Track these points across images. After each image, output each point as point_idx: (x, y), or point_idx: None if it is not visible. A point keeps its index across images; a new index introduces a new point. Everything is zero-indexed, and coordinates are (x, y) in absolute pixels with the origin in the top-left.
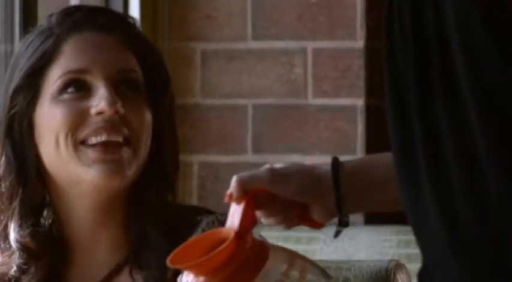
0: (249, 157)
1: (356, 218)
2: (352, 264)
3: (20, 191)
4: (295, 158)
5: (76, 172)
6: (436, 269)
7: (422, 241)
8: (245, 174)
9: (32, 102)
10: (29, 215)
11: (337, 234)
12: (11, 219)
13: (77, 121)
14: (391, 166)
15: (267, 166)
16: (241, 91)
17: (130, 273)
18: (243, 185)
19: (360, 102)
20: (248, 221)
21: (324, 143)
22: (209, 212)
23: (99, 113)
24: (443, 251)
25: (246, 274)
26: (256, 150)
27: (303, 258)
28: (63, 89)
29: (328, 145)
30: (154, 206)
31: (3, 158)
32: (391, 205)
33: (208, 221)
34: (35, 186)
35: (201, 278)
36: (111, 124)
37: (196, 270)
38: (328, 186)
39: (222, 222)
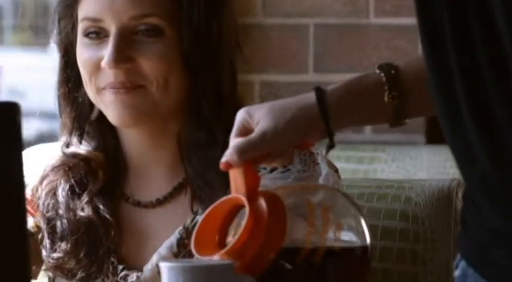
0: (310, 76)
1: (417, 138)
2: (414, 184)
3: (73, 103)
4: None
5: (103, 112)
6: (477, 188)
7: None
8: (241, 142)
9: (73, 30)
10: (94, 132)
11: (328, 150)
12: (75, 133)
13: (93, 70)
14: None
15: (249, 118)
16: (303, 10)
17: (194, 191)
18: (242, 155)
19: None
20: (253, 181)
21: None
22: None
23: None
24: (484, 165)
25: (276, 234)
26: (318, 69)
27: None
28: (85, 31)
29: None
30: (207, 131)
31: (63, 77)
32: (377, 120)
33: None
34: (89, 101)
35: (233, 256)
36: (120, 79)
37: (227, 255)
38: (318, 119)
39: None
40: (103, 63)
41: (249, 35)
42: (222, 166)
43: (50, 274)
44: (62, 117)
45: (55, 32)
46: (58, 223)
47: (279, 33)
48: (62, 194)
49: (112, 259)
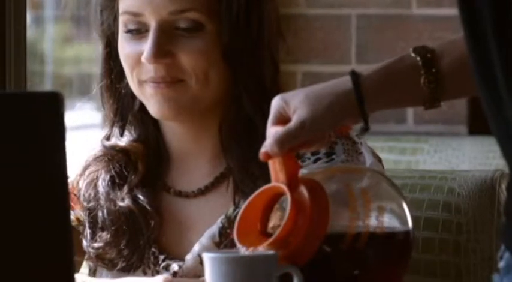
0: (353, 67)
1: (459, 128)
2: (457, 174)
3: (116, 95)
4: None
5: (145, 104)
6: None
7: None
8: (281, 133)
9: (114, 22)
10: (137, 123)
11: (362, 133)
12: (117, 123)
13: (134, 64)
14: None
15: (285, 105)
16: (346, 1)
17: (236, 184)
18: (282, 145)
19: None
20: (293, 169)
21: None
22: None
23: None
24: None
25: (320, 222)
26: (360, 60)
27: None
28: (125, 25)
29: None
30: (248, 122)
31: (105, 67)
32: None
33: None
34: (131, 92)
35: (278, 245)
36: (158, 74)
37: (272, 245)
38: (354, 103)
39: None
40: (143, 58)
41: (292, 26)
42: (261, 156)
43: (91, 264)
44: (104, 108)
45: (97, 23)
46: (99, 213)
47: (322, 24)
48: (102, 184)
49: (153, 249)
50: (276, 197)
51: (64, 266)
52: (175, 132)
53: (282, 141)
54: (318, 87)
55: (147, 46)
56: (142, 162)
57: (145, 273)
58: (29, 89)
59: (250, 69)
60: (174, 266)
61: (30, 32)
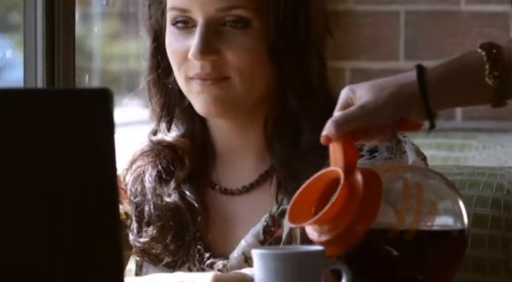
0: (401, 63)
1: (509, 125)
2: (506, 171)
3: (163, 91)
4: None
5: (191, 102)
6: None
7: None
8: (340, 115)
9: (162, 17)
10: (174, 115)
11: (429, 130)
12: (163, 119)
13: (181, 60)
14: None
15: (352, 94)
16: None
17: (279, 182)
18: (339, 128)
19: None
20: (351, 156)
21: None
22: None
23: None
24: None
25: (370, 209)
26: (409, 56)
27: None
28: (173, 20)
29: None
30: (295, 120)
31: (152, 62)
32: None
33: None
34: (178, 88)
35: (326, 227)
36: (206, 71)
37: (319, 222)
38: (417, 97)
39: None
40: (190, 55)
41: (340, 22)
42: (322, 140)
43: (138, 259)
44: (151, 103)
45: (145, 17)
46: (146, 208)
47: (370, 20)
48: (149, 179)
49: (198, 246)
50: (333, 182)
51: (114, 262)
52: (221, 129)
53: (340, 123)
54: (385, 78)
55: (194, 43)
56: (189, 158)
57: (190, 270)
58: (77, 86)
59: (296, 67)
60: (219, 264)
61: (78, 29)
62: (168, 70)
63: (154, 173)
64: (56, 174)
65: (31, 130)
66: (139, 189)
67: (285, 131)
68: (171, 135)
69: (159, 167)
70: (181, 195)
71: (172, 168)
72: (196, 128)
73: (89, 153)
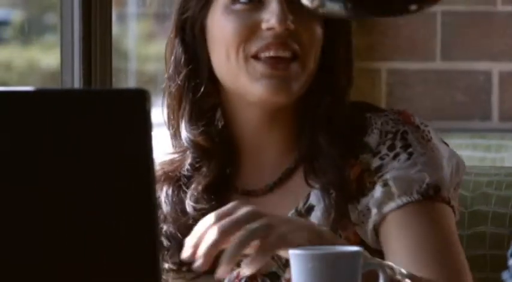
0: (438, 64)
1: None
2: None
3: (191, 91)
4: (483, 66)
5: (245, 86)
6: None
7: None
8: None
9: (204, 7)
10: (200, 116)
11: None
12: (182, 119)
13: (248, 35)
14: None
15: None
16: None
17: (306, 178)
18: None
19: None
20: None
21: None
22: (378, 110)
23: (269, 29)
24: None
25: None
26: (445, 57)
27: None
28: None
29: None
30: (324, 117)
31: (173, 57)
32: None
33: (382, 121)
34: (206, 88)
35: None
36: (281, 40)
37: None
38: None
39: (393, 120)
40: (269, 24)
41: (377, 23)
42: None
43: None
44: (177, 101)
45: (179, 11)
46: (167, 230)
47: (407, 21)
48: (166, 202)
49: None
50: None
51: (151, 265)
52: (250, 125)
53: None
54: None
55: (273, 12)
56: (210, 162)
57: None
58: (113, 86)
59: (343, 63)
60: (246, 260)
61: (114, 29)
62: (198, 65)
63: (169, 192)
64: (93, 175)
65: (69, 131)
66: (161, 217)
67: (313, 126)
68: (191, 138)
69: (175, 183)
70: (201, 211)
71: (191, 179)
72: (219, 129)
73: (127, 154)
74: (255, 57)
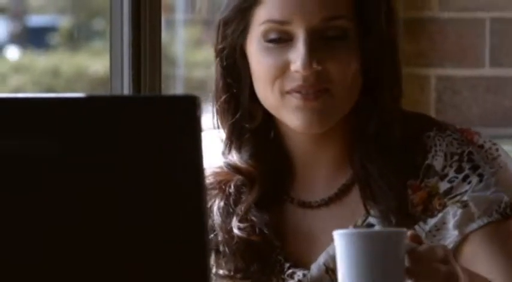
0: (487, 71)
1: None
2: None
3: (233, 111)
4: None
5: (284, 117)
6: None
7: None
8: None
9: (242, 34)
10: (244, 136)
11: None
12: (227, 142)
13: (279, 74)
14: None
15: None
16: (480, 4)
17: (364, 203)
18: None
19: None
20: None
21: None
22: (439, 125)
23: (297, 72)
24: None
25: None
26: (494, 63)
27: None
28: (266, 35)
29: None
30: (373, 136)
31: (217, 76)
32: None
33: (446, 143)
34: (249, 108)
35: None
36: (309, 82)
37: None
38: None
39: (457, 140)
40: (295, 67)
41: (426, 29)
42: None
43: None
44: (221, 124)
45: (218, 37)
46: (217, 242)
47: (456, 28)
48: (217, 213)
49: (279, 257)
50: None
51: (200, 271)
52: (302, 143)
53: None
54: None
55: (299, 55)
56: (259, 180)
57: (270, 281)
58: (162, 92)
59: (388, 78)
60: (299, 274)
61: (162, 36)
62: (238, 90)
63: (221, 204)
64: (143, 181)
65: (119, 137)
66: (209, 226)
67: (367, 141)
68: (240, 158)
69: (226, 197)
70: (251, 226)
71: (241, 195)
72: (268, 146)
73: (177, 160)
74: (289, 92)
